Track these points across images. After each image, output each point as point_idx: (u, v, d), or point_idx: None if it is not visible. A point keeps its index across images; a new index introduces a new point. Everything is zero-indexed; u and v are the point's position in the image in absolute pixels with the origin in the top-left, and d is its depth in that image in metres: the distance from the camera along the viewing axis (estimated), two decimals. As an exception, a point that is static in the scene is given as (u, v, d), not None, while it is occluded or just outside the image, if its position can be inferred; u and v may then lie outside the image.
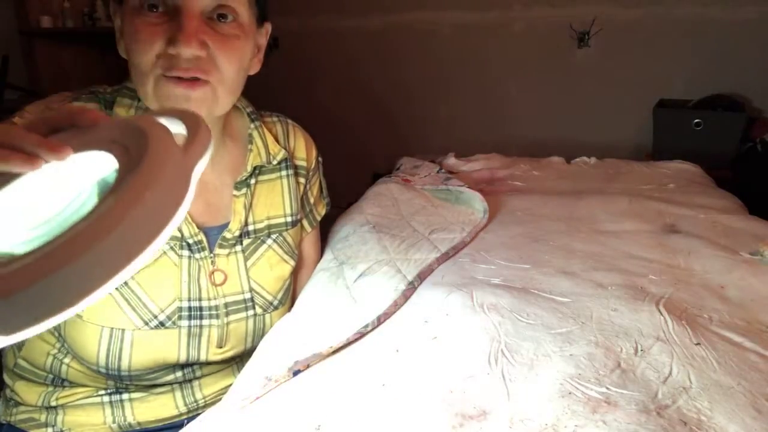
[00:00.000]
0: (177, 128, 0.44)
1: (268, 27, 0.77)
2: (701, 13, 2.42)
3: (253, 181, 0.82)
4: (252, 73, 0.76)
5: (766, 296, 0.73)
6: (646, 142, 2.50)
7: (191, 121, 0.45)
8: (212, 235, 0.77)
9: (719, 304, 0.72)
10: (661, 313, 0.68)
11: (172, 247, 0.73)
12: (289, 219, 0.86)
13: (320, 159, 0.95)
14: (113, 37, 0.73)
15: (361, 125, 3.21)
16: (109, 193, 0.34)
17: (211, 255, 0.76)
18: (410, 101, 3.07)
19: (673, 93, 2.52)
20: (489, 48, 2.83)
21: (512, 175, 1.41)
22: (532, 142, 2.73)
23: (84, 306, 0.31)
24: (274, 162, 0.84)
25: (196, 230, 0.74)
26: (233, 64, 0.68)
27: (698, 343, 0.62)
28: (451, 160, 1.53)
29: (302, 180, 0.90)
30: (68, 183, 0.40)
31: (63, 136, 0.44)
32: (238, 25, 0.68)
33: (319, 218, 0.96)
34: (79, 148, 0.41)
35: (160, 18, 0.65)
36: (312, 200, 0.93)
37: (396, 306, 0.73)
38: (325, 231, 1.03)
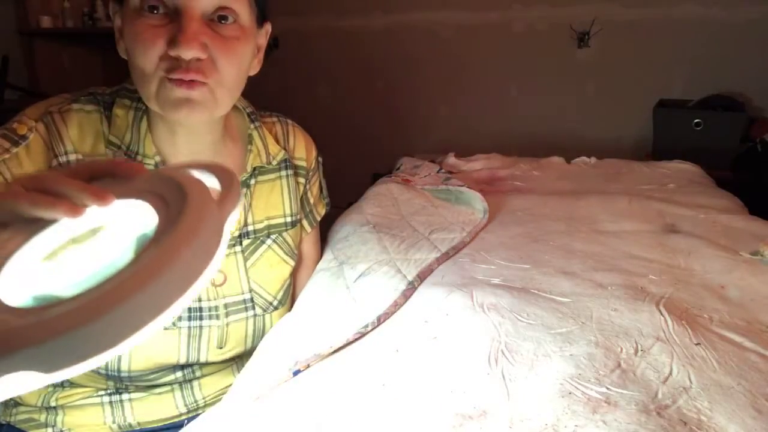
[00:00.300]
0: (209, 181, 0.46)
1: (268, 27, 0.77)
2: (701, 13, 2.42)
3: (252, 181, 0.82)
4: (252, 73, 0.75)
5: (766, 296, 0.73)
6: (646, 142, 2.50)
7: (224, 175, 0.47)
8: None
9: (719, 304, 0.72)
10: (661, 313, 0.68)
11: None
12: (288, 219, 0.86)
13: (320, 159, 0.95)
14: (113, 37, 0.73)
15: (361, 125, 3.21)
16: (149, 246, 0.36)
17: None
18: (410, 101, 3.07)
19: (673, 93, 2.52)
20: (489, 48, 2.83)
21: (512, 175, 1.41)
22: (533, 141, 2.73)
23: (117, 352, 0.32)
24: (274, 163, 0.84)
25: None
26: (233, 65, 0.68)
27: (698, 343, 0.62)
28: (451, 160, 1.54)
29: (302, 180, 0.90)
30: (110, 230, 0.42)
31: (103, 183, 0.45)
32: (238, 26, 0.68)
33: (319, 218, 0.96)
34: (120, 195, 0.43)
35: (160, 20, 0.64)
36: (312, 200, 0.93)
37: (396, 306, 0.73)
38: (325, 231, 1.03)
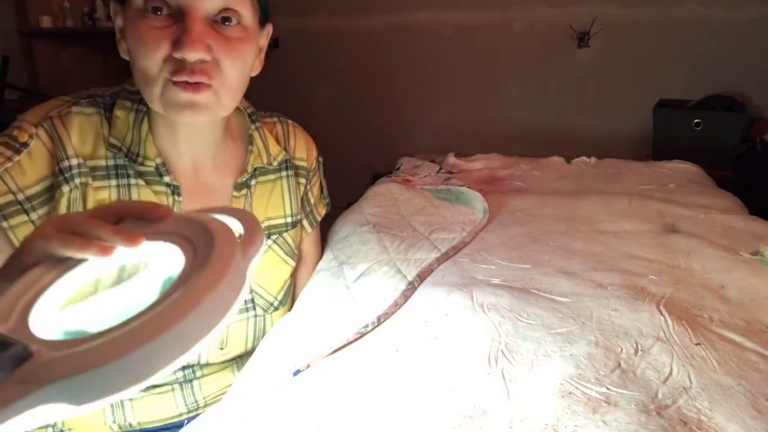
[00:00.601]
0: (233, 225, 0.48)
1: (269, 28, 0.77)
2: (701, 13, 2.42)
3: (252, 182, 0.82)
4: (254, 74, 0.75)
5: (766, 296, 0.73)
6: (646, 142, 2.50)
7: (248, 220, 0.49)
8: None
9: (719, 304, 0.72)
10: (662, 313, 0.68)
11: None
12: (289, 220, 0.86)
13: (320, 159, 0.95)
14: (113, 37, 0.72)
15: (361, 125, 3.21)
16: (176, 288, 0.38)
17: None
18: (410, 101, 3.07)
19: (673, 93, 2.52)
20: (489, 48, 2.83)
21: (512, 175, 1.41)
22: (533, 141, 2.73)
23: (142, 386, 0.34)
24: (275, 164, 0.84)
25: None
26: (237, 67, 0.68)
27: (698, 343, 0.62)
28: (451, 160, 1.54)
29: (302, 180, 0.90)
30: (138, 270, 0.45)
31: (132, 224, 0.47)
32: (241, 28, 0.68)
33: (319, 218, 0.96)
34: (149, 237, 0.45)
35: (164, 21, 0.64)
36: (312, 200, 0.93)
37: (396, 306, 0.73)
38: (325, 231, 1.02)
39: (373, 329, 0.69)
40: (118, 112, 0.73)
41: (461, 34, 2.87)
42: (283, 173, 0.86)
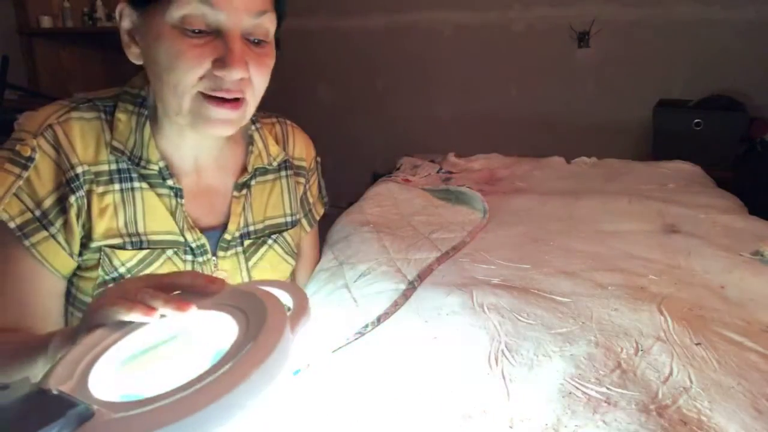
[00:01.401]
0: (282, 297, 0.52)
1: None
2: (701, 13, 2.42)
3: (252, 182, 0.82)
4: None
5: (766, 296, 0.73)
6: (646, 142, 2.50)
7: (298, 294, 0.53)
8: (213, 237, 0.78)
9: (719, 304, 0.72)
10: (662, 313, 0.68)
11: (176, 252, 0.74)
12: (288, 219, 0.86)
13: (318, 159, 0.95)
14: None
15: (361, 125, 3.21)
16: (228, 359, 0.41)
17: (214, 258, 0.77)
18: (410, 101, 3.07)
19: (673, 93, 2.52)
20: (489, 48, 2.83)
21: (512, 175, 1.41)
22: (533, 142, 2.72)
23: None
24: (274, 164, 0.85)
25: (199, 235, 0.75)
26: (265, 81, 0.71)
27: (698, 343, 0.62)
28: (451, 160, 1.54)
29: (302, 180, 0.90)
30: (193, 339, 0.49)
31: (189, 295, 0.52)
32: (269, 45, 0.71)
33: (318, 218, 0.96)
34: (205, 306, 0.50)
35: (203, 39, 0.64)
36: (311, 200, 0.94)
37: (396, 306, 0.73)
38: (325, 231, 1.03)
39: (373, 329, 0.69)
40: (120, 116, 0.72)
41: (461, 34, 2.87)
42: (283, 173, 0.86)
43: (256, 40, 0.68)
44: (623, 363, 0.59)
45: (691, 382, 0.55)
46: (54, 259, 0.69)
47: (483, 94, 2.91)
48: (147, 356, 0.48)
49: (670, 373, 0.57)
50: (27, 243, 0.67)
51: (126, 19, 0.69)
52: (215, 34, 0.65)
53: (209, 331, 0.48)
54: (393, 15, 2.97)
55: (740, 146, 2.22)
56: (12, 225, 0.66)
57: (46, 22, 3.02)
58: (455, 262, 0.87)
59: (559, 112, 2.76)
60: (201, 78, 0.65)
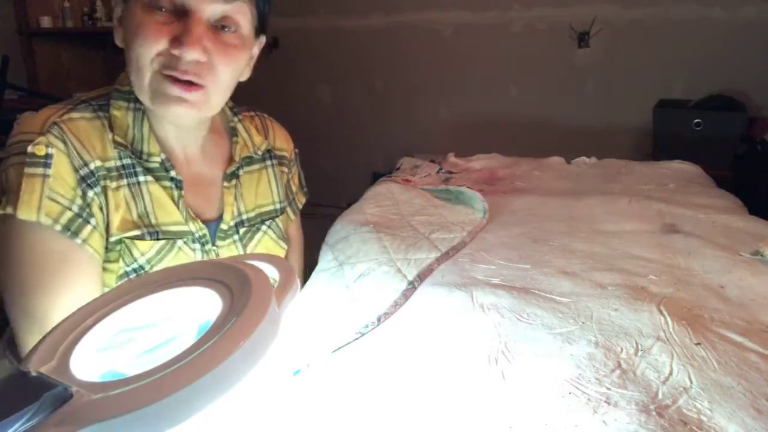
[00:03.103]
0: (268, 271, 0.49)
1: (263, 39, 0.81)
2: (701, 13, 2.42)
3: (240, 172, 0.85)
4: (242, 79, 0.79)
5: (766, 296, 0.73)
6: (646, 142, 2.50)
7: (285, 268, 0.51)
8: (212, 228, 0.80)
9: (719, 304, 0.72)
10: (662, 313, 0.68)
11: (185, 242, 0.77)
12: (278, 206, 0.91)
13: (297, 151, 0.99)
14: (113, 36, 0.73)
15: (361, 125, 3.21)
16: (211, 334, 0.40)
17: (214, 247, 0.80)
18: (410, 101, 3.07)
19: (673, 93, 2.52)
20: (489, 48, 2.83)
21: (512, 175, 1.41)
22: (533, 142, 2.73)
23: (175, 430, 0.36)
24: (259, 153, 0.88)
25: (201, 225, 0.78)
26: (229, 70, 0.71)
27: (698, 343, 0.62)
28: (451, 160, 1.54)
29: (285, 169, 0.94)
30: (176, 315, 0.47)
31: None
32: (238, 36, 0.71)
33: (300, 206, 1.01)
34: (188, 283, 0.47)
35: (166, 17, 0.66)
36: (294, 189, 0.98)
37: (396, 306, 0.73)
38: (325, 231, 1.03)
39: (373, 329, 0.69)
40: (115, 112, 0.74)
41: (461, 34, 2.87)
42: (268, 162, 0.91)
43: (226, 29, 0.70)
44: (623, 363, 0.59)
45: (691, 382, 0.55)
46: (102, 250, 0.70)
47: (483, 94, 2.91)
48: (130, 334, 0.46)
49: (670, 373, 0.57)
50: (79, 241, 0.67)
51: (117, 7, 0.72)
52: (180, 15, 0.67)
53: (193, 307, 0.47)
54: (393, 15, 2.97)
55: (740, 146, 2.22)
56: (58, 228, 0.65)
57: (46, 22, 3.02)
58: (455, 262, 0.87)
59: (559, 112, 2.77)
60: (158, 54, 0.66)
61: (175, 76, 0.67)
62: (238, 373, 0.38)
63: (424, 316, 0.70)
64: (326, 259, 0.92)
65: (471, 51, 2.87)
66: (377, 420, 0.53)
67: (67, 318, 0.45)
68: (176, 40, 0.66)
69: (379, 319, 0.70)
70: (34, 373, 0.37)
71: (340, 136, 3.20)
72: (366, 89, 3.15)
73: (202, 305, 0.45)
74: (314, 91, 3.26)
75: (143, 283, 0.49)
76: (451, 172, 1.39)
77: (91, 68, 3.34)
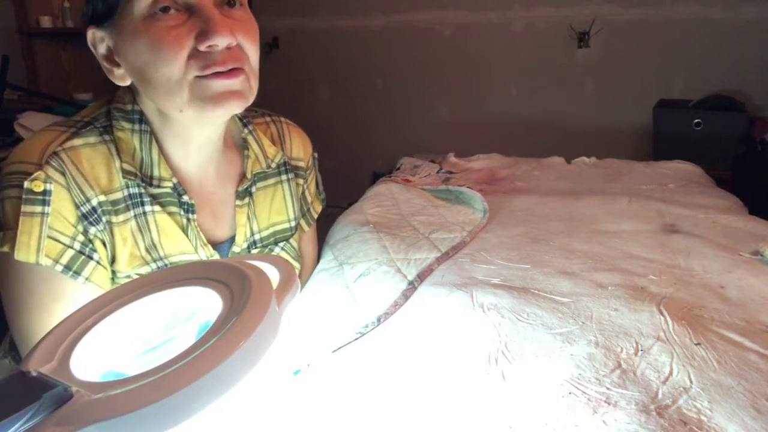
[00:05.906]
0: (269, 271, 0.49)
1: None
2: (701, 13, 2.42)
3: (253, 189, 0.80)
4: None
5: (766, 296, 0.73)
6: (646, 142, 2.50)
7: (285, 268, 0.51)
8: (224, 250, 0.77)
9: (719, 304, 0.72)
10: (662, 313, 0.68)
11: None
12: (293, 223, 0.86)
13: (316, 155, 0.93)
14: (108, 77, 0.68)
15: (361, 125, 3.21)
16: (211, 334, 0.39)
17: None
18: (410, 101, 3.07)
19: (673, 93, 2.52)
20: (489, 48, 2.83)
21: (512, 175, 1.41)
22: (533, 142, 2.73)
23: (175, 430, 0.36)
24: (273, 165, 0.82)
25: (212, 251, 0.74)
26: (255, 47, 0.66)
27: (698, 343, 0.62)
28: (451, 160, 1.53)
29: (301, 181, 0.89)
30: (176, 315, 0.46)
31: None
32: (245, 10, 0.67)
33: (315, 216, 0.95)
34: (188, 283, 0.47)
35: (177, 18, 0.61)
36: (309, 198, 0.92)
37: (396, 306, 0.73)
38: (325, 231, 1.03)
39: (373, 329, 0.69)
40: (120, 135, 0.69)
41: (461, 34, 2.87)
42: (283, 177, 0.85)
43: (232, 3, 0.65)
44: (623, 363, 0.59)
45: (691, 382, 0.55)
46: (107, 283, 0.67)
47: (483, 94, 2.91)
48: (131, 334, 0.46)
49: (670, 373, 0.57)
50: (81, 279, 0.64)
51: (100, 44, 0.67)
52: (188, 11, 0.62)
53: (193, 307, 0.46)
54: (393, 15, 2.97)
55: (740, 146, 2.22)
56: (59, 269, 0.63)
57: (46, 22, 3.02)
58: (455, 262, 0.87)
59: (559, 112, 2.77)
60: (189, 59, 0.61)
61: (218, 71, 0.62)
62: (238, 373, 0.38)
63: (424, 316, 0.70)
64: (326, 259, 0.92)
65: (471, 51, 2.86)
66: (377, 420, 0.53)
67: (67, 318, 0.45)
68: (202, 35, 0.60)
69: (379, 319, 0.70)
70: (34, 373, 0.37)
71: (340, 136, 3.20)
72: (366, 89, 3.15)
73: (203, 305, 0.45)
74: (314, 91, 3.26)
75: (143, 283, 0.49)
76: (451, 172, 1.39)
77: (91, 68, 3.33)
